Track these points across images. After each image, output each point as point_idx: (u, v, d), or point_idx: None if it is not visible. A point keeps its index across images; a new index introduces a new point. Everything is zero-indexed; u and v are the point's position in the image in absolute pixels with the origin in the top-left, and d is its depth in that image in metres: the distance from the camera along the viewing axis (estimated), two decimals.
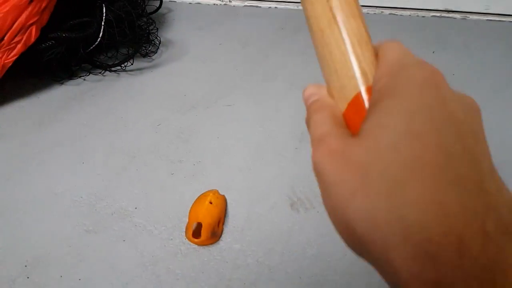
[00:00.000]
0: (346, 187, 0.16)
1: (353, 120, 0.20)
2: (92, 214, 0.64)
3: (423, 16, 1.19)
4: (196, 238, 0.57)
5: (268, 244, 0.58)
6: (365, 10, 1.24)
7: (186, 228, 0.60)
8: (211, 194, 0.62)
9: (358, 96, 0.20)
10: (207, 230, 0.57)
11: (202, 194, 0.63)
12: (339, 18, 0.21)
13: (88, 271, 0.56)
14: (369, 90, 0.19)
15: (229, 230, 0.60)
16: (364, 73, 0.20)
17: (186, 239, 0.59)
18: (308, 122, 0.21)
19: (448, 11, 1.19)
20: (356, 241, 0.16)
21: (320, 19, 0.22)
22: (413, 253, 0.14)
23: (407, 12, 1.21)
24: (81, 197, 0.67)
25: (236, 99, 0.89)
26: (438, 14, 1.19)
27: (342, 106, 0.20)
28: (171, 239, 0.60)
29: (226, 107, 0.87)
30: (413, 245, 0.14)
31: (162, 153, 0.75)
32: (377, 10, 1.23)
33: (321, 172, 0.17)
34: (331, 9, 0.21)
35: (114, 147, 0.77)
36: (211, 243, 0.58)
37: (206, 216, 0.58)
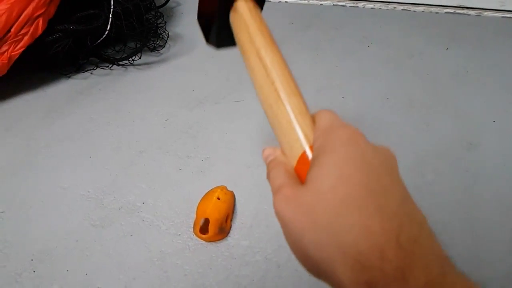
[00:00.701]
0: (299, 223, 0.21)
1: (301, 172, 0.25)
2: (99, 208, 0.63)
3: (436, 13, 1.17)
4: (204, 234, 0.56)
5: (277, 241, 0.57)
6: (377, 6, 1.22)
7: (194, 224, 0.59)
8: (219, 190, 0.60)
9: (304, 154, 0.25)
10: (214, 226, 0.56)
11: (210, 190, 0.62)
12: (283, 96, 0.28)
13: (95, 266, 0.55)
14: (311, 148, 0.25)
15: (238, 226, 0.59)
16: (306, 136, 0.26)
17: (194, 235, 0.58)
18: (268, 176, 0.27)
19: (462, 8, 1.16)
20: (313, 263, 0.21)
21: (268, 97, 0.28)
22: (350, 264, 0.19)
23: (420, 8, 1.18)
24: (88, 192, 0.66)
25: (245, 95, 0.87)
26: (452, 11, 1.16)
27: (293, 162, 0.26)
28: (179, 234, 0.59)
29: (235, 103, 0.85)
30: (350, 259, 0.19)
31: (170, 148, 0.74)
32: (390, 6, 1.21)
33: (281, 214, 0.22)
34: (276, 90, 0.28)
35: (122, 141, 0.77)
36: (219, 239, 0.57)
37: (214, 212, 0.57)
